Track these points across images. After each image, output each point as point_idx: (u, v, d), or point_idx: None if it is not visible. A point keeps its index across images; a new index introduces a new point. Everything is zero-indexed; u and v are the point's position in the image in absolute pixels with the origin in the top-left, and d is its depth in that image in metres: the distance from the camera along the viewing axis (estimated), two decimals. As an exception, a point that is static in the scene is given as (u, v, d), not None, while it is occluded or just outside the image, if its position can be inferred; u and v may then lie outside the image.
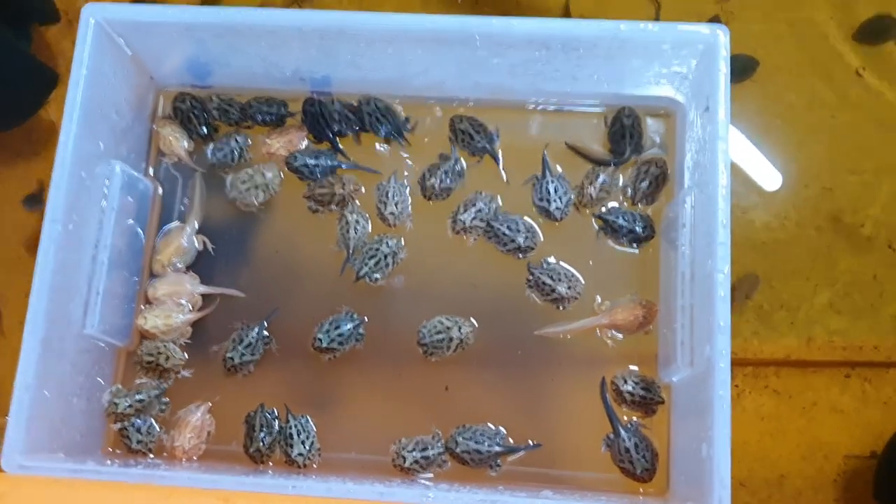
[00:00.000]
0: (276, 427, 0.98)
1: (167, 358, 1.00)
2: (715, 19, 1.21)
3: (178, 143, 1.06)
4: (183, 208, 1.07)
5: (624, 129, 1.04)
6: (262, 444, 0.96)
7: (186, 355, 1.02)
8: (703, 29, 0.90)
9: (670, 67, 0.97)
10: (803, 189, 1.17)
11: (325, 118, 1.06)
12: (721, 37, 0.90)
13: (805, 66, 1.20)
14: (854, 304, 1.13)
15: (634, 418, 0.98)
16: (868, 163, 1.17)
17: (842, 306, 1.13)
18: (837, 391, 1.11)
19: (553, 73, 1.00)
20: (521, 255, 1.03)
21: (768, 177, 1.17)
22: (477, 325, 1.02)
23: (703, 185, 0.90)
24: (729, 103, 0.89)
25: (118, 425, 0.98)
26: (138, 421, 0.97)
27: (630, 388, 0.97)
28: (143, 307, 1.03)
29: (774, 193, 1.17)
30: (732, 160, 1.16)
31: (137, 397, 0.97)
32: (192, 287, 1.02)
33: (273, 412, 0.99)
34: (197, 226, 1.05)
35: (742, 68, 1.18)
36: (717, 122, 0.88)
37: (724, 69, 0.89)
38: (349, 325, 1.00)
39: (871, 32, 1.22)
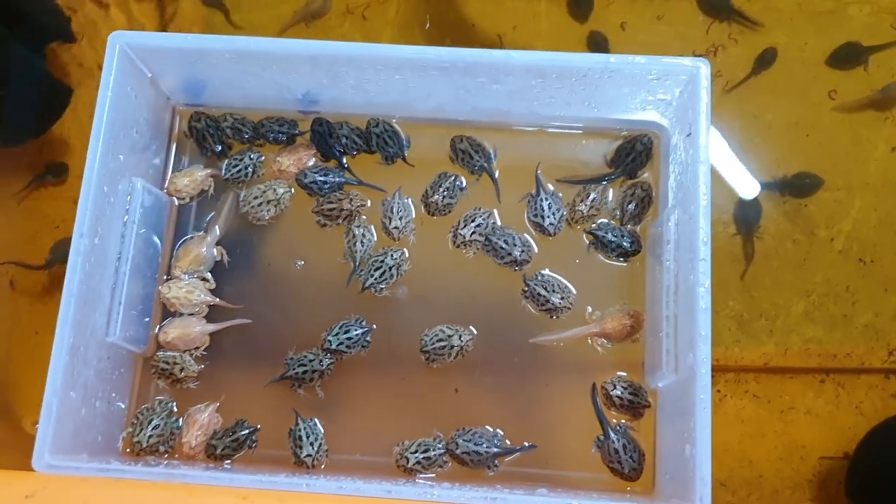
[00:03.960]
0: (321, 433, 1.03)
1: (182, 369, 1.05)
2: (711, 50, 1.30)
3: (197, 173, 1.12)
4: (195, 221, 1.13)
5: (633, 151, 1.11)
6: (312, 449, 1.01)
7: (201, 367, 1.07)
8: (686, 62, 0.97)
9: (656, 95, 1.04)
10: (781, 204, 1.24)
11: (333, 137, 1.12)
12: (703, 69, 0.97)
13: (782, 88, 1.28)
14: (828, 314, 1.20)
15: (623, 421, 1.05)
16: (840, 181, 1.25)
17: (817, 316, 1.20)
18: (813, 396, 1.18)
19: (548, 99, 1.07)
20: (517, 268, 1.09)
21: (748, 191, 1.24)
22: (476, 333, 1.08)
23: (685, 204, 0.97)
24: (709, 130, 0.96)
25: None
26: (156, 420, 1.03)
27: (619, 393, 1.03)
28: (164, 278, 1.09)
29: (754, 209, 1.24)
30: (715, 175, 1.23)
31: (153, 427, 1.02)
32: (201, 328, 1.07)
33: (314, 421, 1.04)
34: (218, 236, 1.11)
35: (769, 59, 1.28)
36: (698, 146, 0.95)
37: (705, 98, 0.96)
38: (358, 331, 1.06)
39: (843, 58, 1.30)
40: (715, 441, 1.15)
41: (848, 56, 1.30)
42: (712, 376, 1.18)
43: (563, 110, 1.09)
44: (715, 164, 1.23)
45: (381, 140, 1.11)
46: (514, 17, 1.35)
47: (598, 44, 1.30)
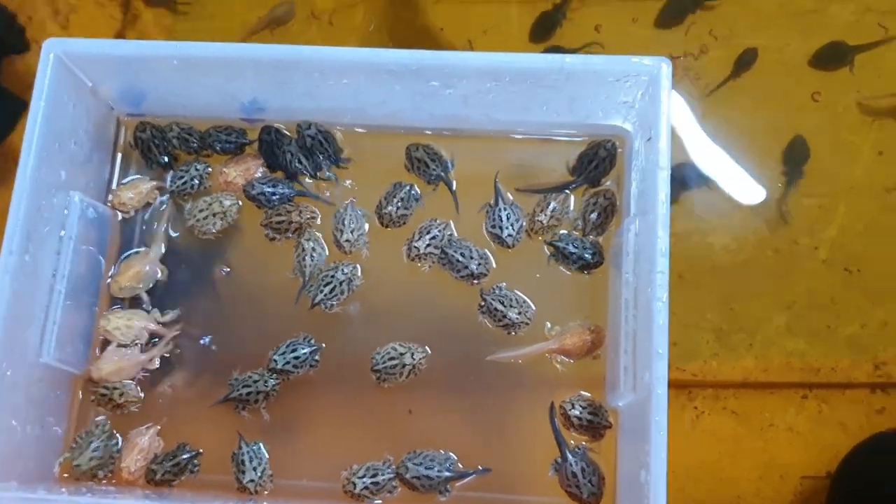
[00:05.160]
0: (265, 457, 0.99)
1: (121, 394, 1.01)
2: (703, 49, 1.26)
3: (142, 185, 1.08)
4: (144, 230, 1.09)
5: (595, 157, 1.06)
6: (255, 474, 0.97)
7: (142, 394, 1.03)
8: (646, 61, 0.92)
9: (617, 98, 0.99)
10: (762, 211, 1.19)
11: (280, 148, 1.08)
12: (664, 68, 0.92)
13: (764, 90, 1.23)
14: (811, 326, 1.15)
15: (583, 443, 1.00)
16: (824, 186, 1.20)
17: (799, 328, 1.15)
18: (794, 412, 1.13)
19: (505, 104, 1.02)
20: (474, 282, 1.05)
21: (729, 198, 1.19)
22: (430, 352, 1.03)
23: (644, 213, 0.92)
24: (670, 133, 0.91)
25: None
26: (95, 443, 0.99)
27: (578, 413, 0.98)
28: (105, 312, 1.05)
29: (733, 216, 1.19)
30: (699, 182, 1.19)
31: (92, 449, 0.98)
32: (134, 359, 1.02)
33: (259, 444, 1.00)
34: (162, 252, 1.07)
35: (749, 61, 1.24)
36: (658, 151, 0.90)
37: (665, 100, 0.91)
38: (306, 350, 1.01)
39: (827, 58, 1.25)
40: (692, 460, 1.12)
41: (832, 56, 1.25)
42: (689, 392, 1.15)
43: (522, 115, 1.05)
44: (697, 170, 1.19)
45: (314, 143, 1.07)
46: (484, 21, 1.31)
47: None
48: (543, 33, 1.28)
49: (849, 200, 1.20)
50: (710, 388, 1.14)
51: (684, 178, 1.22)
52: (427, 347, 1.03)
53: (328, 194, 1.09)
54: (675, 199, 1.21)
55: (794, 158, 1.20)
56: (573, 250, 1.04)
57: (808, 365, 1.13)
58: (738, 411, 1.12)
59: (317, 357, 1.02)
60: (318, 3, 1.33)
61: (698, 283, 1.18)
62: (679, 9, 1.27)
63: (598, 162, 1.06)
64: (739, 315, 1.15)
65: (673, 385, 1.15)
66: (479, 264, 1.04)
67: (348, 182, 1.10)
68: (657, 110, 0.90)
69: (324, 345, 1.03)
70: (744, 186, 1.20)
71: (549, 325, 1.03)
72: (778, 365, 1.14)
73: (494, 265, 1.06)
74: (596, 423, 0.98)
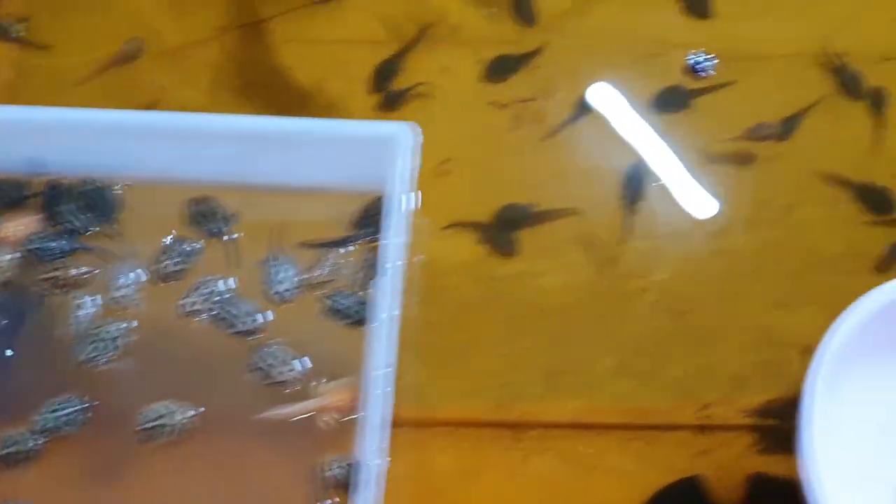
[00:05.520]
0: None
1: None
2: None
3: None
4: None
5: (367, 216, 1.07)
6: None
7: None
8: (389, 127, 0.92)
9: (375, 161, 0.99)
10: (593, 254, 1.19)
11: (60, 203, 1.08)
12: (404, 135, 0.92)
13: (606, 132, 1.24)
14: (639, 368, 1.15)
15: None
16: (658, 229, 1.20)
17: (627, 370, 1.15)
18: (619, 453, 1.12)
19: (275, 161, 1.02)
20: (246, 338, 1.05)
21: (561, 240, 1.19)
22: (201, 409, 1.02)
23: (383, 275, 0.92)
24: (410, 198, 0.92)
25: None
26: None
27: (335, 473, 0.98)
28: None
29: (565, 258, 1.20)
30: (531, 223, 1.19)
31: None
32: None
33: None
34: None
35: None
36: (393, 215, 0.90)
37: (404, 165, 0.91)
38: (70, 408, 1.01)
39: (666, 102, 1.26)
40: (516, 502, 1.12)
41: (672, 100, 1.27)
42: (515, 433, 1.15)
43: (296, 172, 1.05)
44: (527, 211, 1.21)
45: (89, 200, 1.07)
46: (333, 61, 1.31)
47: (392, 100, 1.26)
48: (382, 82, 1.29)
49: (681, 243, 1.20)
50: (537, 428, 1.14)
51: (516, 219, 1.23)
52: (197, 406, 1.02)
53: (112, 248, 1.09)
54: (506, 244, 1.22)
55: (633, 184, 1.21)
56: (346, 305, 1.04)
57: (635, 406, 1.13)
58: (564, 453, 1.12)
59: (84, 415, 1.02)
60: (168, 39, 1.33)
61: (528, 324, 1.18)
62: (503, 67, 1.28)
63: (369, 219, 1.06)
64: (568, 357, 1.15)
65: (501, 426, 1.15)
66: (253, 320, 1.04)
67: (127, 237, 1.10)
68: (392, 178, 0.90)
69: (96, 402, 1.03)
70: (577, 229, 1.21)
71: (319, 381, 1.03)
72: (605, 406, 1.14)
73: (269, 321, 1.06)
74: (351, 483, 0.98)
